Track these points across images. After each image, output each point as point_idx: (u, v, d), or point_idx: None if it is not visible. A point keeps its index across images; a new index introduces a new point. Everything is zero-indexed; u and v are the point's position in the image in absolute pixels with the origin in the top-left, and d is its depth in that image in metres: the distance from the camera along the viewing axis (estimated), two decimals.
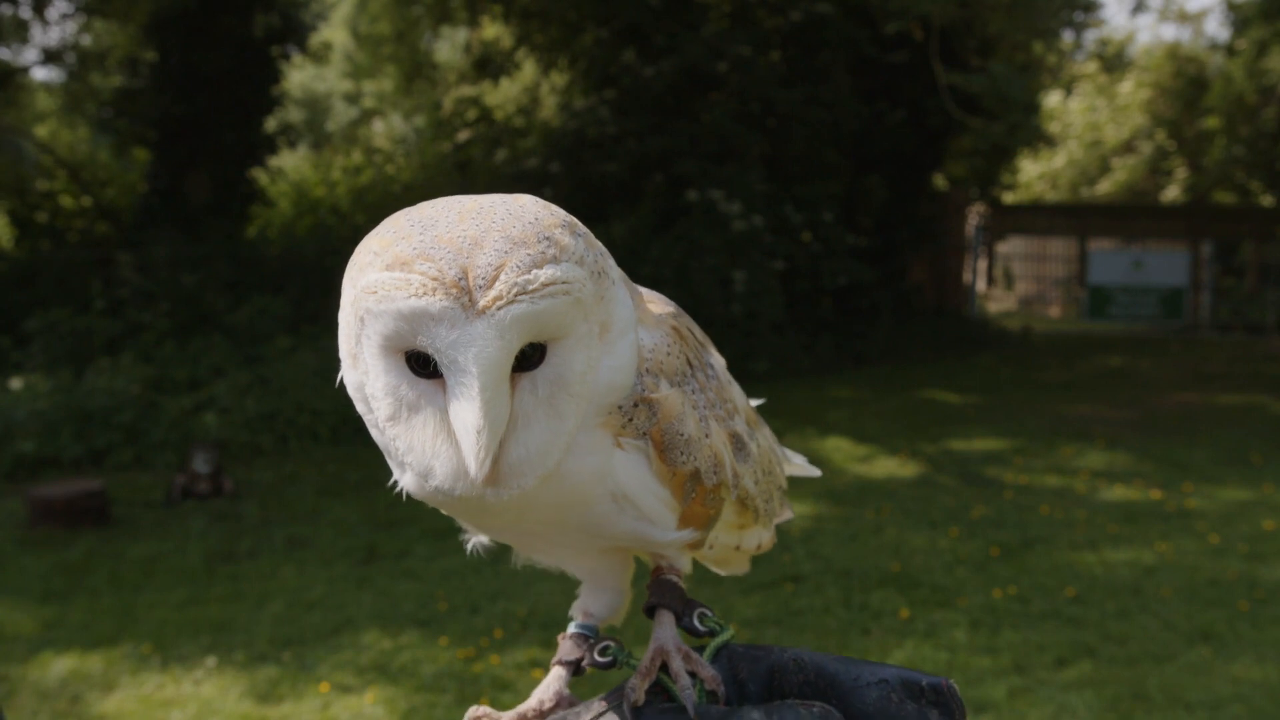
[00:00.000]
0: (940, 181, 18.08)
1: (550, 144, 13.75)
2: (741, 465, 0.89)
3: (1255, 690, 4.02)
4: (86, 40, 16.77)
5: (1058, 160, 26.36)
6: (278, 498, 7.40)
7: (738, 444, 0.89)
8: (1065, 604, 4.97)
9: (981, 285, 20.24)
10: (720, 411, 0.87)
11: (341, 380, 0.78)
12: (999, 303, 22.85)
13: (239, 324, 10.52)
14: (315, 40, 17.31)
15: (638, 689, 0.80)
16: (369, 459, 8.52)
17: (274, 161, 15.66)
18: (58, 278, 11.65)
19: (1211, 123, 21.74)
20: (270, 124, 14.70)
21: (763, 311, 12.22)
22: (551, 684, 0.85)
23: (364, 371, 0.74)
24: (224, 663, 4.52)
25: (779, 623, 4.75)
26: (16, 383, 9.32)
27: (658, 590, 0.88)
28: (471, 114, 15.79)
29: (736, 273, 12.01)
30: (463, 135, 15.72)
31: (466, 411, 0.71)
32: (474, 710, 0.84)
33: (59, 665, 4.54)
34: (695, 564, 0.94)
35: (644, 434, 0.79)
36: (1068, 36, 19.20)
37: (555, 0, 14.11)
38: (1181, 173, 24.56)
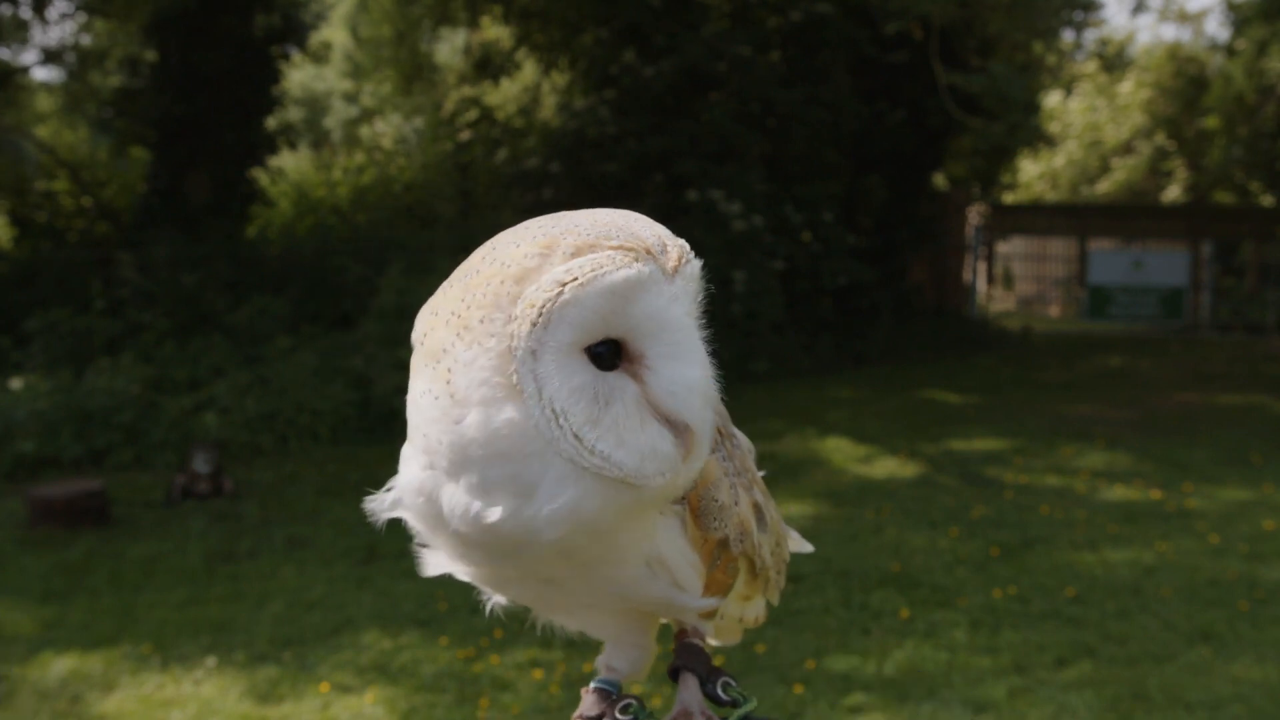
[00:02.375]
0: (940, 181, 18.07)
1: (550, 144, 13.75)
2: (761, 535, 0.90)
3: (1255, 690, 4.02)
4: (86, 40, 16.77)
5: (1058, 160, 26.35)
6: (278, 498, 7.40)
7: (758, 514, 0.90)
8: (1065, 604, 4.97)
9: (981, 285, 20.24)
10: (744, 480, 0.89)
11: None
12: (999, 303, 22.85)
13: (239, 324, 10.52)
14: (315, 40, 17.32)
15: None
16: (369, 459, 8.52)
17: (274, 161, 15.66)
18: (58, 278, 11.64)
19: (1211, 123, 21.73)
20: (270, 124, 14.70)
21: (763, 311, 12.21)
22: None
23: (535, 392, 0.71)
24: (224, 663, 4.52)
25: (779, 623, 4.75)
26: (16, 383, 9.32)
27: (683, 653, 0.88)
28: (471, 114, 15.79)
29: (736, 273, 12.01)
30: (463, 135, 15.72)
31: (690, 369, 0.74)
32: None
33: (59, 665, 4.54)
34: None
35: (682, 499, 0.81)
36: (1068, 36, 19.19)
37: (555, 0, 14.11)
38: (1181, 173, 24.55)
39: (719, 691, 0.86)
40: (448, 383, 0.74)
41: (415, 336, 0.78)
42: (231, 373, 9.62)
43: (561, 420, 0.72)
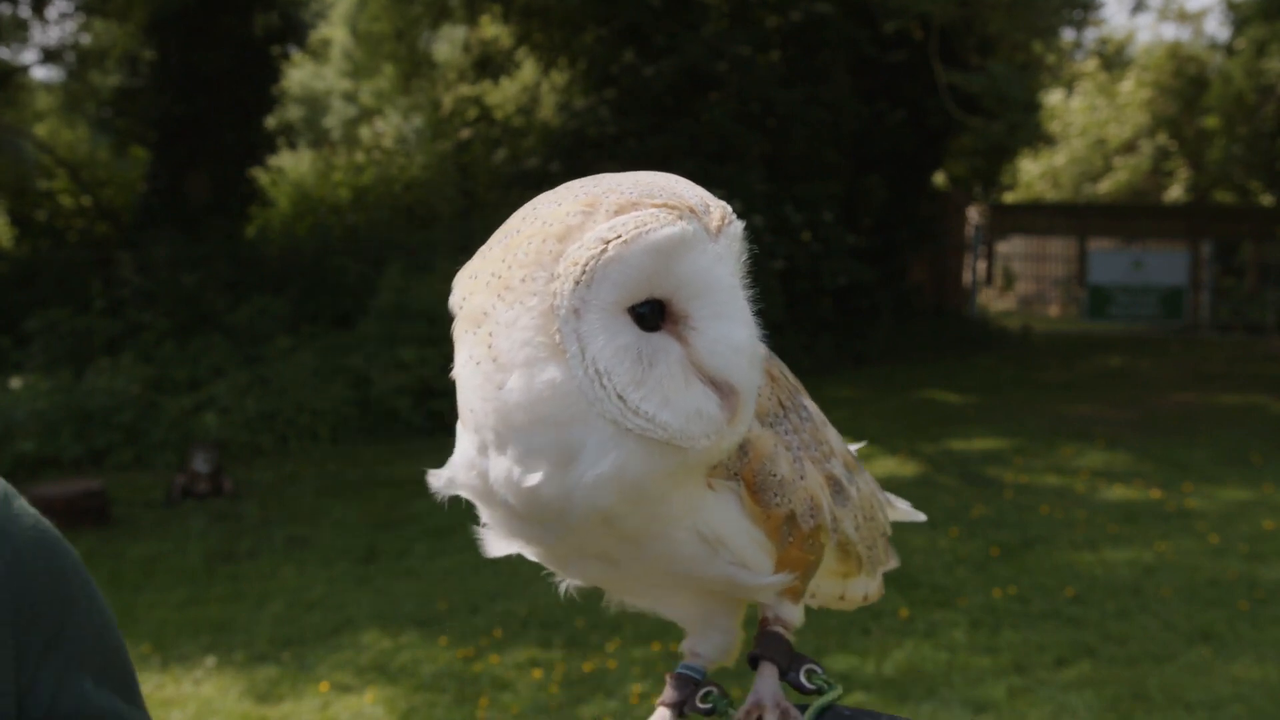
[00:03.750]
0: (940, 181, 18.08)
1: (550, 144, 13.75)
2: (840, 509, 0.87)
3: (1255, 690, 4.02)
4: (86, 39, 16.78)
5: (1059, 159, 26.36)
6: (278, 498, 7.40)
7: (835, 487, 0.87)
8: (1065, 604, 4.97)
9: (981, 285, 20.25)
10: (816, 454, 0.86)
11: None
12: (999, 303, 22.86)
13: (239, 324, 10.51)
14: (314, 38, 17.32)
15: None
16: (369, 459, 8.52)
17: (274, 161, 15.65)
18: (58, 278, 11.64)
19: (1211, 122, 21.74)
20: (270, 123, 14.69)
21: (762, 311, 12.20)
22: None
23: (578, 351, 0.70)
24: (224, 663, 4.52)
25: None
26: (16, 383, 9.32)
27: (763, 642, 0.86)
28: (471, 113, 15.79)
29: None
30: (463, 135, 15.72)
31: (735, 329, 0.74)
32: None
33: None
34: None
35: (735, 475, 0.79)
36: (1067, 35, 19.21)
37: (555, 0, 14.12)
38: (1182, 172, 24.56)
39: (802, 679, 0.83)
40: (489, 346, 0.73)
41: (454, 301, 0.76)
42: (231, 373, 9.62)
43: (605, 380, 0.71)
